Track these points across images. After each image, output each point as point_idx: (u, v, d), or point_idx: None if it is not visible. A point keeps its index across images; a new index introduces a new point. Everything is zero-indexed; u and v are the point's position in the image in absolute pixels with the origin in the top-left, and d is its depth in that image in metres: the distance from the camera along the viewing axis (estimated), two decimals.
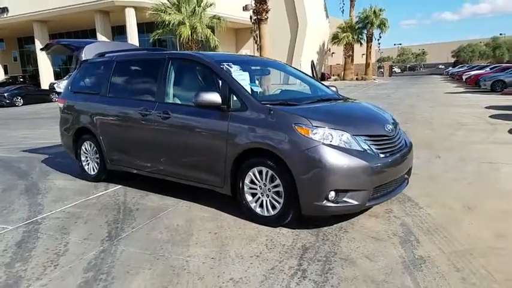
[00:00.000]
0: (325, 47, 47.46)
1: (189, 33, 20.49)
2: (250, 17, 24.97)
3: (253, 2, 23.91)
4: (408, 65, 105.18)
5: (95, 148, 5.27)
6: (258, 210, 3.69)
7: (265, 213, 3.64)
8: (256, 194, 3.71)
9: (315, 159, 3.25)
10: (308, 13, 41.83)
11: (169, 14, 20.65)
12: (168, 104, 4.39)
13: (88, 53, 5.74)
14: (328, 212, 3.40)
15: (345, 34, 41.20)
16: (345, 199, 3.30)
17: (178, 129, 4.21)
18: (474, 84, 25.45)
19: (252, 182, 3.70)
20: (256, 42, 24.22)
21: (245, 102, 3.72)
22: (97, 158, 5.28)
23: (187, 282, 2.70)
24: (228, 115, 3.78)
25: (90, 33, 33.09)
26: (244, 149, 3.63)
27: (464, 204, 4.12)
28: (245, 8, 34.76)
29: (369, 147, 3.43)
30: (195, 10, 20.75)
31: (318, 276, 2.75)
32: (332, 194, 3.27)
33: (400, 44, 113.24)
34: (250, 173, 3.67)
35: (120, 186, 5.14)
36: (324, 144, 3.28)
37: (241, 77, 4.06)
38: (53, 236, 3.57)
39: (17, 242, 3.48)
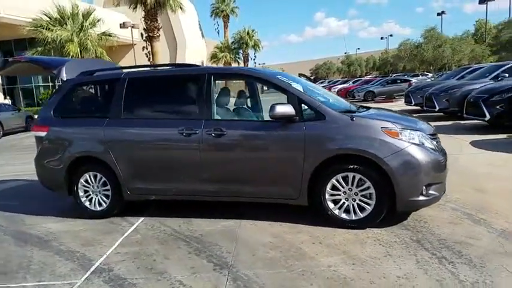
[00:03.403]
0: (204, 66, 48.38)
1: (78, 51, 18.78)
2: (141, 34, 24.14)
3: (143, 20, 23.21)
4: None
5: (103, 179, 4.63)
6: (344, 215, 3.82)
7: (353, 217, 3.79)
8: (338, 200, 3.83)
9: (410, 159, 3.57)
10: (186, 32, 42.20)
11: (52, 30, 18.61)
12: (219, 120, 4.21)
13: (70, 71, 5.04)
14: (419, 206, 3.75)
15: (223, 54, 42.72)
16: (430, 192, 3.69)
17: (239, 146, 4.07)
18: (345, 96, 29.06)
19: (333, 188, 3.82)
20: (149, 60, 23.47)
21: (321, 111, 3.84)
22: (106, 190, 4.65)
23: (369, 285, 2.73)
24: (301, 126, 3.84)
25: None
26: (328, 157, 3.74)
27: (472, 187, 4.90)
28: (123, 25, 33.36)
29: (435, 145, 3.90)
30: (82, 26, 19.12)
31: (459, 258, 3.08)
32: (424, 189, 3.63)
33: (264, 64, 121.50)
34: (333, 180, 3.80)
35: (142, 217, 4.62)
36: (413, 144, 3.63)
37: (299, 88, 4.15)
38: (151, 279, 3.12)
39: None
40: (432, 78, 27.12)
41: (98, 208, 4.71)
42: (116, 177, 4.52)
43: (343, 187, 3.80)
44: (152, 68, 5.21)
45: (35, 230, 4.53)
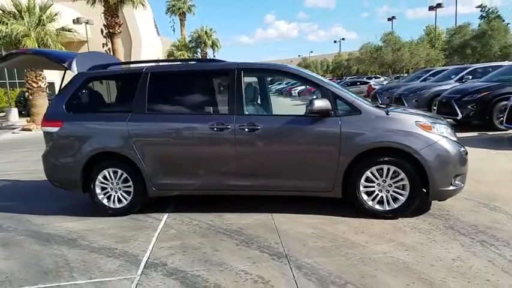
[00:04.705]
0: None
1: (36, 46, 17.67)
2: (102, 30, 23.25)
3: (103, 15, 22.39)
4: None
5: (124, 175, 4.50)
6: (378, 206, 4.01)
7: (387, 208, 3.99)
8: (372, 191, 4.02)
9: (442, 151, 3.83)
10: (141, 29, 41.23)
11: (6, 24, 17.40)
12: (251, 115, 4.27)
13: (80, 64, 4.84)
14: (448, 195, 4.01)
15: (180, 52, 42.11)
16: (457, 182, 3.97)
17: (273, 140, 4.13)
18: (308, 96, 29.77)
19: (367, 180, 4.00)
20: None
21: (356, 106, 4.01)
22: (127, 186, 4.52)
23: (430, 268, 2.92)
24: (337, 120, 3.98)
25: None
26: (365, 150, 3.90)
27: (473, 180, 5.28)
28: (76, 21, 32.01)
29: (457, 138, 4.20)
30: (40, 20, 18.05)
31: (496, 241, 3.37)
32: (453, 179, 3.90)
33: None
34: (368, 172, 3.97)
35: (166, 214, 4.55)
36: (443, 137, 3.90)
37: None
38: (213, 270, 3.11)
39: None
40: (389, 80, 28.53)
41: (118, 205, 4.57)
42: (140, 173, 4.41)
43: (377, 179, 3.98)
44: (173, 63, 5.13)
45: (51, 229, 4.31)
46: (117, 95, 4.83)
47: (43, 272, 3.29)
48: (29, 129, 16.38)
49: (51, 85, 28.60)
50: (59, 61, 4.84)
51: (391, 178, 3.95)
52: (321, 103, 3.92)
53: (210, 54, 47.75)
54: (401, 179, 3.92)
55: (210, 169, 4.31)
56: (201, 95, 4.52)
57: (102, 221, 4.46)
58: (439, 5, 35.85)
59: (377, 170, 3.97)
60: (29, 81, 17.84)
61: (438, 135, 3.89)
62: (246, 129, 4.12)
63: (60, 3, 35.15)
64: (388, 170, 3.94)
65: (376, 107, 4.18)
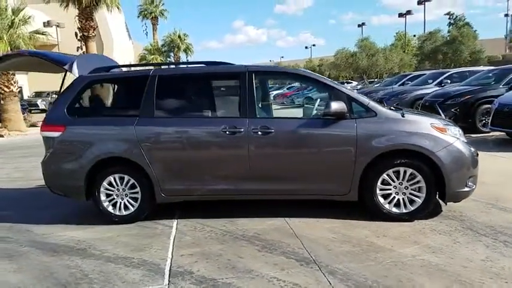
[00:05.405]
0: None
1: (8, 49, 16.95)
2: (76, 34, 22.52)
3: (77, 18, 21.75)
4: None
5: (132, 181, 4.33)
6: (394, 209, 4.02)
7: (404, 210, 4.01)
8: (388, 194, 4.02)
9: (458, 152, 3.90)
10: (113, 33, 40.46)
11: None
12: (264, 118, 4.21)
13: (81, 67, 4.64)
14: (463, 197, 4.06)
15: (153, 56, 41.51)
16: (470, 183, 4.04)
17: (288, 143, 4.09)
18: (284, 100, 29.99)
19: (383, 183, 4.01)
20: None
21: (372, 108, 4.02)
22: (134, 192, 4.35)
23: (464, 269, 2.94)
24: (353, 122, 3.98)
25: None
26: (382, 152, 3.91)
27: None
28: (47, 24, 31.15)
29: (467, 140, 4.28)
30: (13, 23, 17.32)
31: None
32: (467, 181, 3.97)
33: None
34: (385, 175, 3.98)
35: (175, 220, 4.41)
36: (457, 139, 3.97)
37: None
38: (243, 278, 3.01)
39: None
40: (363, 85, 29.15)
41: (124, 212, 4.39)
42: (148, 178, 4.26)
43: (393, 181, 3.99)
44: (181, 66, 4.99)
45: (56, 239, 4.08)
46: (121, 98, 4.66)
47: (61, 284, 3.09)
48: (1, 135, 15.62)
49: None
50: (58, 63, 4.63)
51: (408, 180, 3.97)
52: (337, 105, 3.90)
53: (183, 59, 47.29)
54: (418, 181, 3.95)
55: (221, 173, 4.20)
56: (211, 98, 4.42)
57: (108, 229, 4.26)
58: (408, 12, 37.06)
59: (393, 173, 3.98)
60: (1, 86, 17.06)
61: (453, 137, 3.96)
62: (260, 132, 4.05)
63: (29, 6, 33.99)
64: (405, 172, 3.96)
65: (390, 109, 4.21)
